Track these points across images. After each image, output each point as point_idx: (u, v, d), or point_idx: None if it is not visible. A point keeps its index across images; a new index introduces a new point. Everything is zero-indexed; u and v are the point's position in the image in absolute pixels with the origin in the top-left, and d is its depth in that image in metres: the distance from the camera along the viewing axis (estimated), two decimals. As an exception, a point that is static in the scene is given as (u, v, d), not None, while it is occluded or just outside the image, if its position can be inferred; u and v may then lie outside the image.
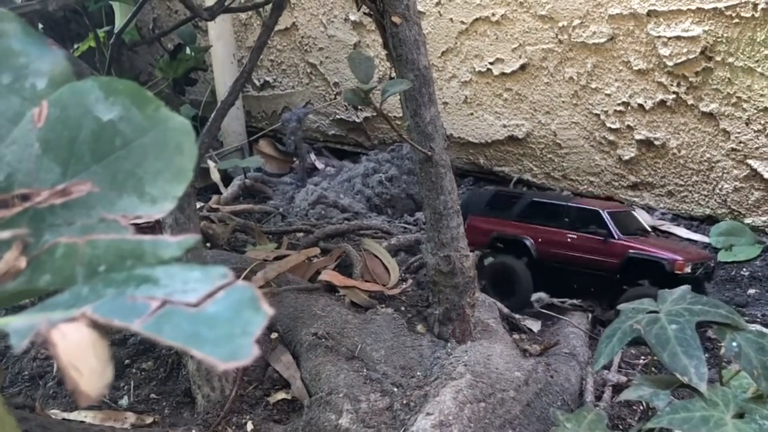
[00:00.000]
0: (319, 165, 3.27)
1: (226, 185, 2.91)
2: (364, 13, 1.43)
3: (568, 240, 1.87)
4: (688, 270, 1.73)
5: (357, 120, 3.40)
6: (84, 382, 0.34)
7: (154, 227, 1.89)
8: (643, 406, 1.37)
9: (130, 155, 0.46)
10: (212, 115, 1.50)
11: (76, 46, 2.37)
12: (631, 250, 1.80)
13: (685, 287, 1.06)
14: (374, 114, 3.00)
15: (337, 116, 3.47)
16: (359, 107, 3.11)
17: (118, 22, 2.12)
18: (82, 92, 0.47)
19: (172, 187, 0.46)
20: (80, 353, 0.35)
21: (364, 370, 1.39)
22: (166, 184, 0.46)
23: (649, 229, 1.95)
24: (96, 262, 0.42)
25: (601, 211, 1.87)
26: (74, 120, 0.47)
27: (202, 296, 0.37)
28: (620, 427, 1.40)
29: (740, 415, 0.90)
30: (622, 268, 1.81)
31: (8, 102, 0.49)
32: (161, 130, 0.46)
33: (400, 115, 1.50)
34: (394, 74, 1.43)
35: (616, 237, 1.82)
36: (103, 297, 0.38)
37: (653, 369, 1.40)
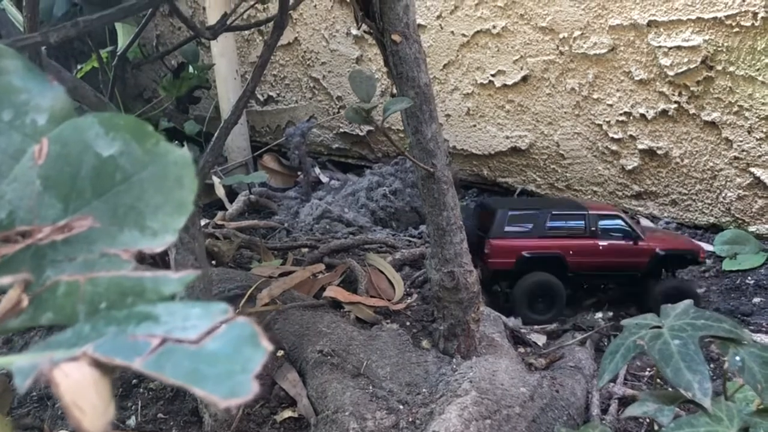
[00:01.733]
0: (324, 179, 3.27)
1: (231, 201, 2.91)
2: (364, 32, 1.43)
3: (600, 248, 1.94)
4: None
5: (360, 133, 3.41)
6: (87, 420, 0.35)
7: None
8: (649, 419, 1.37)
9: (131, 190, 0.47)
10: (216, 134, 1.50)
11: (79, 67, 2.38)
12: (658, 248, 1.95)
13: (689, 301, 1.06)
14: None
15: (341, 130, 3.48)
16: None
17: (121, 42, 2.14)
18: (82, 128, 0.48)
19: (172, 220, 0.46)
20: (82, 392, 0.35)
21: (370, 388, 1.39)
22: (167, 218, 0.47)
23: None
24: (97, 300, 0.42)
25: (622, 216, 1.98)
26: (75, 156, 0.47)
27: (202, 333, 0.37)
28: (626, 440, 1.40)
29: (745, 430, 0.90)
30: (650, 264, 1.96)
31: (9, 139, 0.50)
32: (161, 164, 0.47)
33: (402, 128, 1.50)
34: (395, 90, 1.44)
35: (643, 238, 1.96)
36: (105, 335, 0.38)
37: (659, 381, 1.40)
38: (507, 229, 1.96)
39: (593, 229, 1.94)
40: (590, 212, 1.96)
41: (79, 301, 0.43)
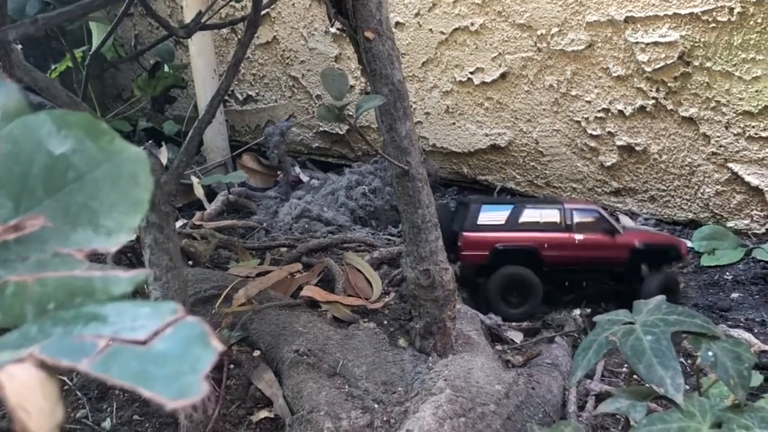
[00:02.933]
0: (304, 178, 3.26)
1: (211, 201, 2.90)
2: (338, 29, 1.43)
3: (576, 242, 1.91)
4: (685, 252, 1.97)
5: (340, 132, 3.40)
6: (32, 422, 0.34)
7: (135, 248, 1.89)
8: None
9: (84, 188, 0.46)
10: (190, 134, 1.49)
11: (54, 67, 2.36)
12: (636, 242, 1.92)
13: (661, 297, 1.06)
14: (358, 126, 3.02)
15: (321, 129, 3.47)
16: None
17: (96, 41, 2.12)
18: (34, 126, 0.47)
19: (128, 219, 0.46)
20: (28, 394, 0.35)
21: (346, 387, 1.38)
22: (122, 216, 0.46)
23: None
24: (46, 300, 0.42)
25: (600, 210, 1.95)
26: (26, 154, 0.46)
27: (150, 333, 0.37)
28: (603, 437, 1.40)
29: (718, 425, 0.90)
30: (630, 259, 1.93)
31: (-41, 137, 0.49)
32: (115, 162, 0.46)
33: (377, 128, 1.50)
34: (370, 89, 1.43)
35: (621, 232, 1.93)
36: (52, 336, 0.37)
37: (635, 378, 1.40)
38: (480, 222, 1.97)
39: (569, 222, 1.92)
40: (565, 205, 1.95)
41: (27, 302, 0.42)
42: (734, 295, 2.06)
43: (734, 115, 2.30)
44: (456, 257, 1.96)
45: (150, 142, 2.21)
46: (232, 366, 1.56)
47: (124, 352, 0.36)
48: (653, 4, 2.33)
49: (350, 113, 2.28)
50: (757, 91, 2.23)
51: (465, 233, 1.96)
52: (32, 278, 0.42)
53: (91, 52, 1.63)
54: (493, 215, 1.98)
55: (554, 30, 2.58)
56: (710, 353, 0.95)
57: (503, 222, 1.95)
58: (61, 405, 0.36)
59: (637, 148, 2.54)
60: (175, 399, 0.33)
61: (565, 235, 1.92)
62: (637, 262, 1.94)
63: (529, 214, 1.95)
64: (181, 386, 0.34)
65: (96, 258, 1.90)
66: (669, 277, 1.94)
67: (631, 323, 1.00)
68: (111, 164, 0.46)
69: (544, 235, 1.92)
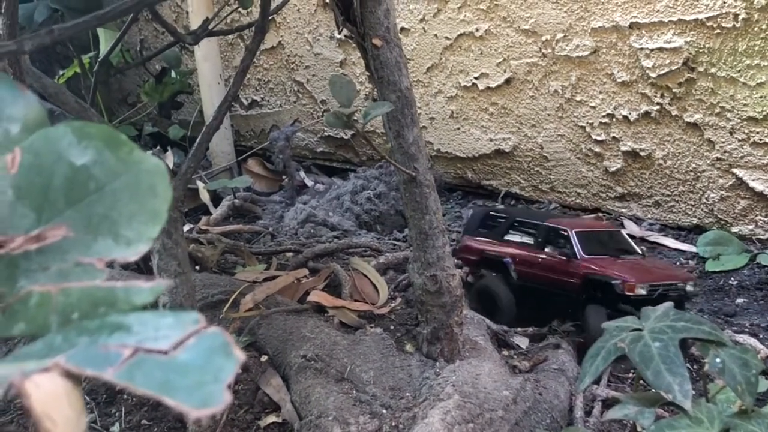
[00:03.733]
0: (309, 182, 3.27)
1: (216, 206, 2.91)
2: (345, 36, 1.43)
3: (539, 260, 1.84)
4: (642, 292, 1.65)
5: (345, 137, 3.41)
6: (59, 431, 0.35)
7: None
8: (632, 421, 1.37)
9: (104, 199, 0.46)
10: (198, 140, 1.50)
11: (61, 73, 2.37)
12: (589, 271, 1.74)
13: (668, 304, 1.06)
14: (364, 131, 3.03)
15: (325, 133, 3.48)
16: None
17: (103, 47, 2.13)
18: (55, 138, 0.48)
19: (147, 229, 0.46)
20: (54, 403, 0.35)
21: (354, 392, 1.39)
22: (141, 226, 0.46)
23: (639, 251, 1.87)
24: (69, 310, 0.42)
25: (569, 231, 1.82)
26: (47, 166, 0.47)
27: (173, 343, 0.37)
28: (610, 442, 1.40)
29: (725, 431, 0.90)
30: (582, 288, 1.76)
31: (-18, 149, 0.49)
32: (134, 173, 0.47)
33: (384, 133, 1.50)
34: (376, 95, 1.44)
35: (578, 257, 1.77)
36: (76, 346, 0.38)
37: (641, 383, 1.40)
38: (480, 229, 1.99)
39: (540, 240, 1.86)
40: (544, 223, 1.88)
41: (52, 312, 0.42)
42: (739, 300, 2.07)
43: (739, 120, 2.30)
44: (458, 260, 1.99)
45: (157, 147, 2.22)
46: (239, 371, 1.57)
47: (148, 362, 0.36)
48: (658, 11, 2.34)
49: (356, 119, 2.30)
50: (761, 97, 2.24)
51: (464, 237, 1.99)
52: (56, 288, 0.43)
53: (100, 59, 1.64)
54: (493, 223, 2.00)
55: (559, 36, 2.59)
56: (718, 360, 0.96)
57: (498, 231, 1.96)
58: (85, 414, 0.37)
59: (642, 154, 2.55)
60: (198, 408, 0.34)
61: (533, 252, 1.86)
62: (587, 290, 1.76)
63: (519, 227, 1.94)
64: (205, 395, 0.35)
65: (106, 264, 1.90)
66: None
67: (639, 330, 1.00)
68: (130, 175, 0.47)
69: (516, 250, 1.90)
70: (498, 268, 1.93)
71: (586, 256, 1.77)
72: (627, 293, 1.65)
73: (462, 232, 2.01)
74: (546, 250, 1.84)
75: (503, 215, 2.02)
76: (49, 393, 0.35)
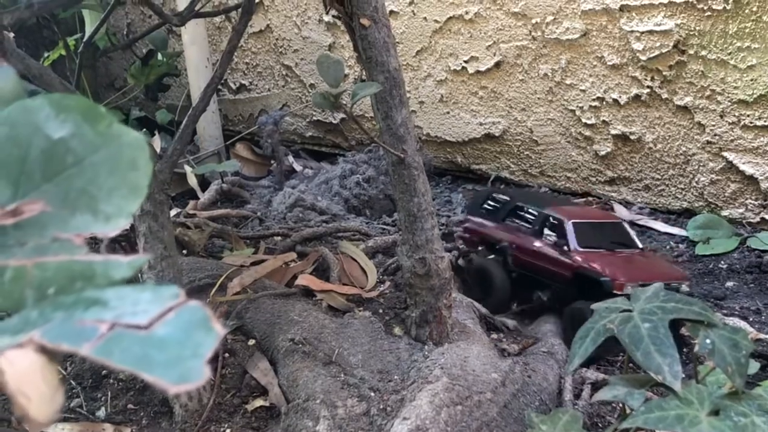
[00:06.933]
0: (298, 167, 3.25)
1: (204, 190, 2.89)
2: (333, 16, 1.42)
3: (534, 248, 1.83)
4: (630, 291, 1.63)
5: (334, 121, 3.39)
6: (33, 408, 0.34)
7: (129, 236, 1.88)
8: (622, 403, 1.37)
9: (83, 173, 0.45)
10: (183, 122, 1.49)
11: (46, 55, 2.35)
12: (580, 265, 1.71)
13: (659, 284, 1.06)
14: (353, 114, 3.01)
15: (314, 118, 3.47)
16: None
17: (89, 30, 2.11)
18: (32, 110, 0.47)
19: (126, 204, 0.45)
20: (29, 379, 0.34)
21: (342, 375, 1.38)
22: (121, 201, 0.45)
23: (639, 244, 1.84)
24: (46, 285, 0.41)
25: (565, 221, 1.79)
26: (24, 138, 0.46)
27: (152, 318, 0.36)
28: (600, 425, 1.40)
29: (715, 412, 0.90)
30: (573, 281, 1.74)
31: (-44, 121, 0.48)
32: (114, 147, 0.46)
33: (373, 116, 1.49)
34: (365, 76, 1.43)
35: (572, 249, 1.74)
36: (52, 321, 0.37)
37: (630, 366, 1.40)
38: (481, 210, 1.98)
39: (536, 227, 1.84)
40: (543, 211, 1.86)
41: (27, 287, 0.41)
42: (729, 283, 2.07)
43: (729, 103, 2.30)
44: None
45: (143, 130, 2.20)
46: (227, 355, 1.56)
47: (126, 337, 0.35)
48: (648, -7, 2.33)
49: (345, 102, 2.29)
50: (752, 80, 2.23)
51: (466, 218, 1.98)
52: (31, 263, 0.42)
53: (84, 40, 1.62)
54: (495, 206, 1.99)
55: (549, 18, 2.58)
56: (708, 341, 0.95)
57: (498, 214, 1.95)
58: (61, 390, 0.36)
59: (632, 137, 2.54)
60: (177, 383, 0.33)
61: (529, 239, 1.84)
62: (578, 284, 1.73)
63: (519, 212, 1.92)
64: (183, 371, 0.34)
65: (90, 247, 1.89)
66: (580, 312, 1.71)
67: (629, 311, 1.00)
68: (110, 149, 0.46)
69: (513, 235, 1.89)
70: (496, 251, 1.92)
71: (581, 249, 1.74)
72: (616, 292, 1.58)
73: (465, 213, 2.01)
74: (542, 238, 1.82)
75: (505, 198, 2.01)
76: (23, 369, 0.34)
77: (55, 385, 0.35)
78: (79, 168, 0.45)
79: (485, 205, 2.04)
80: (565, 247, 1.75)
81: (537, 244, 1.82)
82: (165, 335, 0.36)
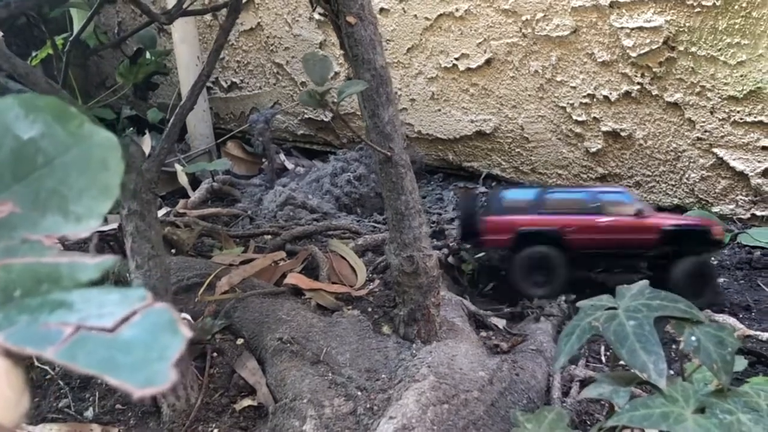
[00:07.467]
0: (289, 165, 3.25)
1: (195, 189, 2.89)
2: (319, 14, 1.42)
3: (602, 224, 1.87)
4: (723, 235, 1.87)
5: (325, 119, 3.39)
6: (-2, 412, 0.34)
7: (117, 236, 1.88)
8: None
9: (53, 173, 0.45)
10: (171, 120, 1.48)
11: (34, 54, 2.34)
12: (665, 224, 1.86)
13: (644, 282, 1.06)
14: (342, 113, 3.01)
15: (305, 116, 3.46)
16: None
17: (76, 28, 2.10)
18: (1, 110, 0.46)
19: (97, 205, 0.45)
20: (-7, 383, 0.34)
21: (329, 375, 1.38)
22: (92, 202, 0.45)
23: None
24: (11, 287, 0.41)
25: (624, 191, 1.92)
26: (-7, 139, 0.45)
27: (117, 320, 0.36)
28: (588, 423, 1.39)
29: (701, 410, 0.89)
30: (659, 242, 1.86)
31: (-75, 121, 0.48)
32: (85, 147, 0.45)
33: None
34: (351, 74, 1.42)
35: (647, 213, 1.87)
36: (17, 324, 0.37)
37: (620, 364, 1.40)
38: (504, 206, 1.95)
39: (593, 205, 1.88)
40: (591, 189, 1.93)
41: (-8, 289, 0.41)
42: (719, 280, 2.06)
43: (719, 100, 2.29)
44: (477, 244, 1.97)
45: (132, 129, 2.20)
46: (215, 354, 1.56)
47: (91, 340, 0.35)
48: (638, -11, 2.33)
49: (334, 100, 2.29)
50: (741, 76, 2.23)
51: (488, 217, 1.94)
52: (-3, 265, 0.42)
53: (71, 38, 1.61)
54: (517, 200, 1.97)
55: (539, 15, 2.57)
56: (693, 338, 0.95)
57: (527, 206, 1.93)
58: (27, 394, 0.35)
59: (623, 134, 2.54)
60: (142, 387, 0.33)
61: (589, 217, 1.87)
62: (667, 245, 1.86)
63: (555, 198, 1.93)
64: (149, 374, 0.34)
65: (78, 247, 1.88)
66: (701, 264, 1.87)
67: (614, 308, 0.99)
68: (80, 149, 0.45)
69: (567, 218, 1.88)
70: (543, 241, 1.91)
71: (655, 212, 1.91)
72: (717, 237, 1.86)
73: (481, 214, 1.96)
74: (605, 214, 1.88)
75: (530, 189, 2.02)
76: (-13, 373, 0.34)
77: (21, 389, 0.35)
78: (50, 168, 0.45)
79: (512, 199, 2.00)
80: (642, 214, 1.86)
81: (604, 219, 1.87)
82: (131, 338, 0.35)
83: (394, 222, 1.46)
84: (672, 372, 0.92)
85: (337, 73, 3.15)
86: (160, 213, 2.33)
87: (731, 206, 2.41)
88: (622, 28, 2.39)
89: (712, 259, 2.11)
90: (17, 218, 0.44)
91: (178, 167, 2.90)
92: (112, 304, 0.38)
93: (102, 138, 0.46)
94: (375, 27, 1.37)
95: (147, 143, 2.76)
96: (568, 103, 2.63)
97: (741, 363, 1.41)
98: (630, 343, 0.93)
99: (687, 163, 2.45)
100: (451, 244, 2.13)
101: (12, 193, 0.45)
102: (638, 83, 2.43)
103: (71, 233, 0.44)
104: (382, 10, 2.91)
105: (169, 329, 0.36)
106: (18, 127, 0.45)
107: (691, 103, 2.35)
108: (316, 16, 3.14)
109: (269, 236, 2.23)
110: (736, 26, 2.19)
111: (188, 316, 1.60)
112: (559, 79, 2.62)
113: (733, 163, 2.34)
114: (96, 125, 0.46)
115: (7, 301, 0.40)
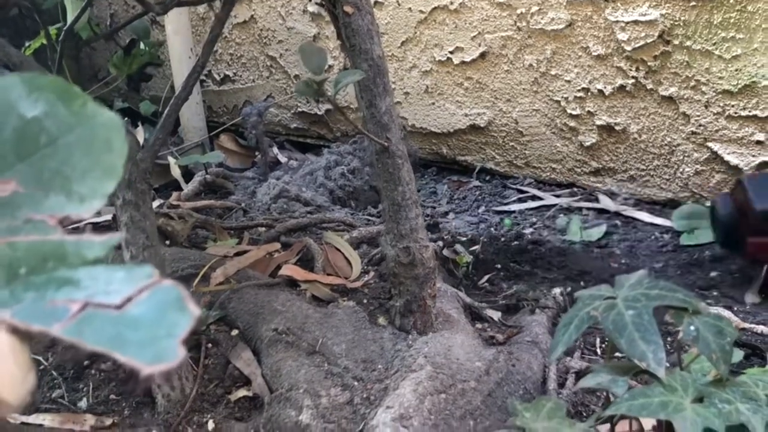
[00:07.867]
0: (282, 158, 3.24)
1: (188, 181, 2.88)
2: (317, 3, 1.41)
3: None
4: None
5: (319, 112, 3.38)
6: (4, 390, 0.33)
7: (111, 227, 1.87)
8: (606, 392, 1.37)
9: (57, 153, 0.45)
10: (165, 111, 1.48)
11: (27, 44, 2.33)
12: None
13: (643, 272, 1.06)
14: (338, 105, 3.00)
15: (299, 109, 3.45)
16: (319, 99, 3.13)
17: (70, 19, 2.10)
18: (3, 88, 0.46)
19: (101, 185, 0.45)
20: (-1, 360, 0.34)
21: (325, 365, 1.38)
22: (95, 182, 0.45)
23: None
24: (17, 265, 0.40)
25: None
26: (-4, 117, 0.45)
27: (125, 297, 0.36)
28: (584, 413, 1.40)
29: (700, 400, 0.90)
30: None
31: (-73, 101, 0.47)
32: (89, 127, 0.45)
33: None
34: (348, 64, 1.42)
35: None
36: (23, 301, 0.36)
37: (617, 355, 1.40)
38: None
39: None
40: None
41: (-2, 267, 0.41)
42: (713, 273, 2.07)
43: (714, 94, 2.30)
44: (747, 252, 1.70)
45: (125, 119, 2.19)
46: (210, 345, 1.56)
47: (98, 317, 0.35)
48: (633, -17, 2.33)
49: (330, 91, 2.28)
50: (736, 70, 2.23)
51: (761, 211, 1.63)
52: (2, 242, 0.41)
53: (66, 28, 1.61)
54: None
55: (534, 9, 2.57)
56: (692, 327, 0.95)
57: None
58: (33, 371, 0.35)
59: (617, 128, 2.54)
60: (151, 363, 0.33)
61: None
62: None
63: None
64: (158, 351, 0.33)
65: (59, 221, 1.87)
66: None
67: (613, 298, 0.99)
68: (84, 129, 0.45)
69: None
70: None
71: None
72: None
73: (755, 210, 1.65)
74: None
75: None
76: (-7, 350, 0.34)
77: (27, 366, 0.35)
78: (53, 148, 0.45)
79: None
80: None
81: None
82: (138, 315, 0.35)
83: (390, 213, 1.45)
84: (668, 365, 0.92)
85: (330, 66, 3.15)
86: (154, 205, 2.32)
87: (725, 200, 2.41)
88: (617, 21, 2.39)
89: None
90: (20, 198, 0.44)
91: (171, 160, 2.90)
92: (119, 281, 0.38)
93: (106, 118, 0.45)
94: (372, 17, 1.37)
95: (140, 136, 2.75)
96: (562, 97, 2.63)
97: (737, 355, 1.41)
98: (629, 332, 0.93)
99: (681, 157, 2.45)
100: (445, 237, 2.13)
101: (15, 172, 0.44)
102: (633, 77, 2.43)
103: (75, 213, 0.44)
104: (376, 2, 2.90)
105: (177, 307, 0.36)
106: (21, 106, 0.45)
107: (685, 97, 2.35)
108: (311, 9, 3.13)
109: (263, 228, 2.22)
110: (731, 20, 2.19)
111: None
112: (553, 72, 2.62)
113: (727, 158, 2.34)
114: (99, 105, 0.46)
115: (13, 279, 0.40)
